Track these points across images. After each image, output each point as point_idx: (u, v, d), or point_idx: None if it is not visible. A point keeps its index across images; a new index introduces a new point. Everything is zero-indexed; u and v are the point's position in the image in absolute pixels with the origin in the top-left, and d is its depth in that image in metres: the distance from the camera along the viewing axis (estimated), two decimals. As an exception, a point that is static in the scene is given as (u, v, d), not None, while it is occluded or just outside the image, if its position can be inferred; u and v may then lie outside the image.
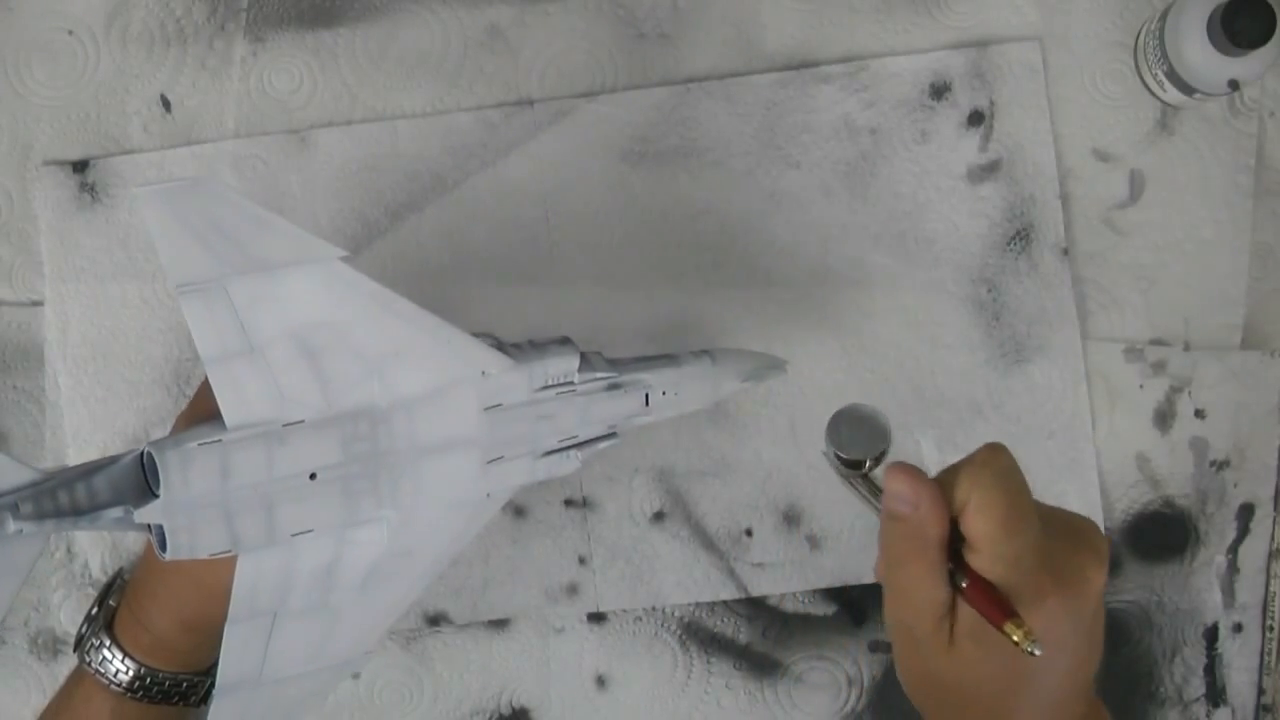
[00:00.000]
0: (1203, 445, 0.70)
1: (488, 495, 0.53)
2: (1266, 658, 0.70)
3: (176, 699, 0.56)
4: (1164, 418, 0.70)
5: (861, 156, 0.70)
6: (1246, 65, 0.63)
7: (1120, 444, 0.70)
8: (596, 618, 0.70)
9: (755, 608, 0.70)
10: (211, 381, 0.48)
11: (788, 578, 0.70)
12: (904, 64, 0.70)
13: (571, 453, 0.55)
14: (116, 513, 0.48)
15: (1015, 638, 0.43)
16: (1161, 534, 0.70)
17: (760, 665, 0.70)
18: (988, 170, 0.70)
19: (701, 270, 0.70)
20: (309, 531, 0.50)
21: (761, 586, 0.70)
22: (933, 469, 0.47)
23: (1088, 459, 0.69)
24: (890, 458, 0.50)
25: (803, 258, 0.70)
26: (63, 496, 0.48)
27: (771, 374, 0.62)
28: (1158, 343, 0.70)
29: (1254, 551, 0.70)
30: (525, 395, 0.53)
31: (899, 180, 0.70)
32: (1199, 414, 0.70)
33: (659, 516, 0.70)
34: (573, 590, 0.70)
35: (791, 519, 0.70)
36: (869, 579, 0.70)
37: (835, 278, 0.70)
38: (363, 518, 0.50)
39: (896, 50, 0.70)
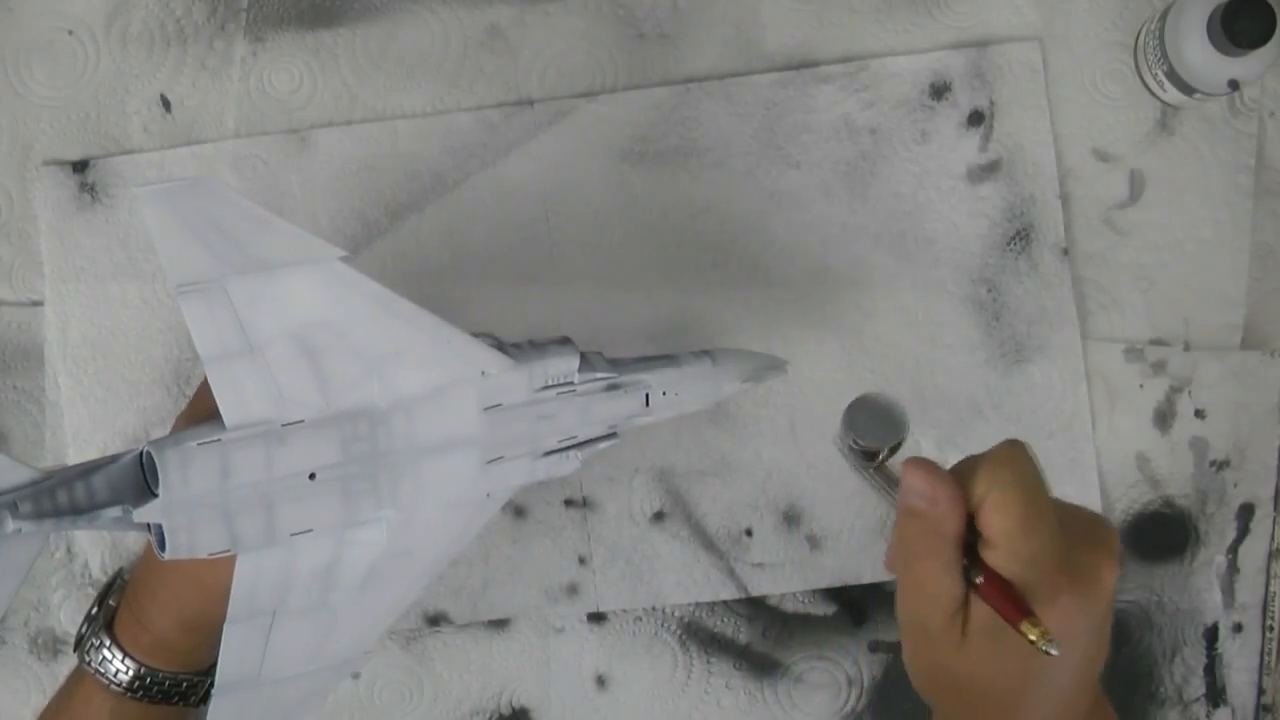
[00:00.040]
0: (1203, 445, 0.70)
1: (487, 495, 0.53)
2: (1266, 658, 0.70)
3: (176, 699, 0.56)
4: (1164, 418, 0.70)
5: (861, 156, 0.70)
6: (1246, 65, 0.63)
7: (1120, 444, 0.70)
8: (596, 618, 0.70)
9: (755, 608, 0.70)
10: (211, 381, 0.48)
11: (788, 578, 0.70)
12: (904, 64, 0.70)
13: (571, 453, 0.55)
14: (115, 512, 0.48)
15: (1031, 637, 0.43)
16: (1161, 534, 0.70)
17: (760, 665, 0.70)
18: (988, 170, 0.70)
19: (701, 270, 0.70)
20: (308, 531, 0.50)
21: (761, 586, 0.70)
22: None
23: (1088, 459, 0.69)
24: (902, 451, 0.50)
25: (803, 258, 0.70)
26: (62, 496, 0.48)
27: (772, 374, 0.62)
28: (1158, 343, 0.70)
29: (1254, 551, 0.70)
30: (525, 395, 0.53)
31: (899, 180, 0.70)
32: (1199, 414, 0.70)
33: (659, 516, 0.70)
34: (573, 590, 0.70)
35: (791, 519, 0.70)
36: (869, 579, 0.70)
37: (835, 278, 0.70)
38: (362, 518, 0.50)
39: (896, 50, 0.70)
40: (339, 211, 0.70)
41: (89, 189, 0.71)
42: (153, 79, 0.71)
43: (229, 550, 0.49)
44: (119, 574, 0.63)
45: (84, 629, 0.57)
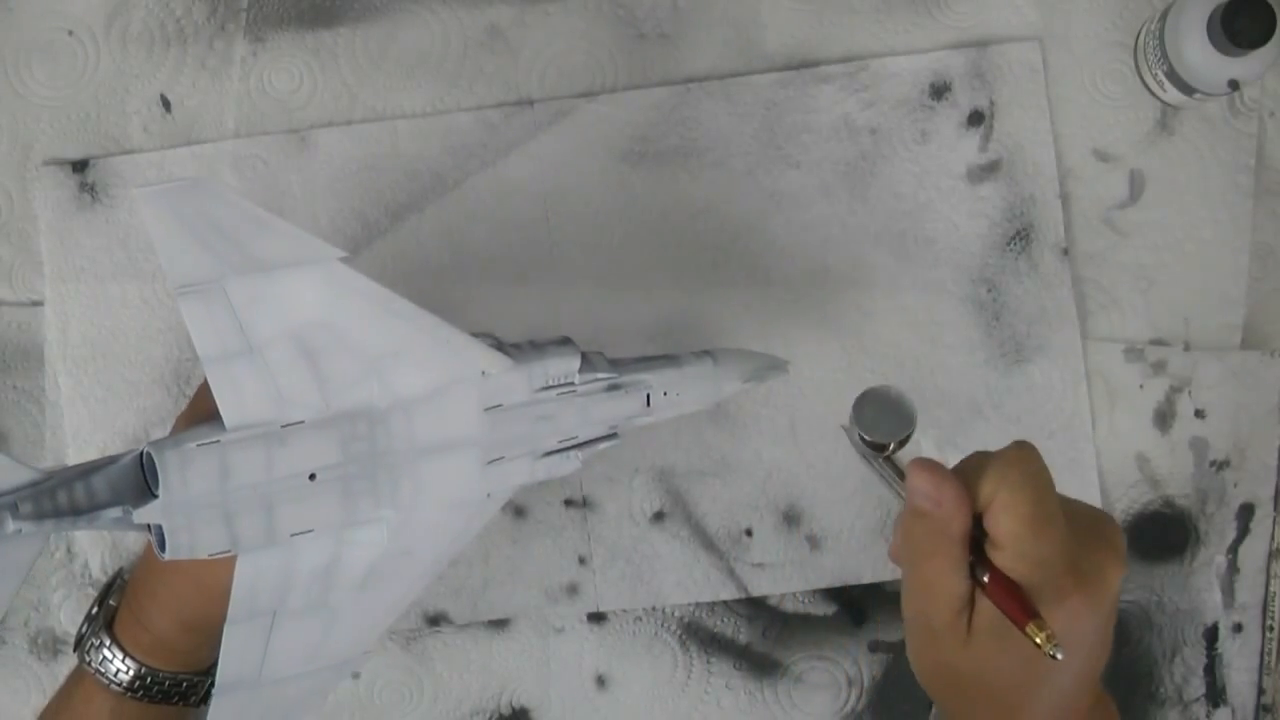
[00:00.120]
0: (1203, 445, 0.70)
1: (488, 495, 0.53)
2: (1266, 658, 0.70)
3: (176, 699, 0.56)
4: (1164, 418, 0.70)
5: (861, 156, 0.70)
6: (1246, 65, 0.63)
7: (1120, 444, 0.70)
8: (596, 618, 0.70)
9: (755, 608, 0.70)
10: (210, 382, 0.48)
11: (788, 578, 0.70)
12: (904, 64, 0.70)
13: (572, 453, 0.55)
14: (115, 513, 0.48)
15: (1037, 640, 0.43)
16: (1161, 534, 0.70)
17: (760, 665, 0.70)
18: (988, 170, 0.70)
19: (701, 270, 0.70)
20: (308, 532, 0.50)
21: (761, 586, 0.70)
22: None
23: (1088, 459, 0.69)
24: (912, 443, 0.50)
25: (803, 258, 0.70)
26: (62, 496, 0.48)
27: (773, 375, 0.62)
28: (1158, 343, 0.70)
29: (1254, 551, 0.70)
30: (525, 396, 0.53)
31: (899, 180, 0.70)
32: (1199, 414, 0.70)
33: (659, 516, 0.70)
34: (573, 590, 0.70)
35: (791, 519, 0.70)
36: (869, 579, 0.70)
37: (835, 278, 0.70)
38: (362, 518, 0.50)
39: (896, 50, 0.70)
40: (339, 211, 0.70)
41: (89, 189, 0.71)
42: (153, 79, 0.71)
43: (229, 551, 0.49)
44: (119, 574, 0.63)
45: (84, 629, 0.57)
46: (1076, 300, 0.69)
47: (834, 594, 0.70)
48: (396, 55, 0.71)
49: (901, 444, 0.51)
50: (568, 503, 0.70)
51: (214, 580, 0.50)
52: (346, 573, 0.51)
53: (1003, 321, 0.70)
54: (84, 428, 0.70)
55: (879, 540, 0.69)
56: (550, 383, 0.53)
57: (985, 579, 0.45)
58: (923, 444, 0.69)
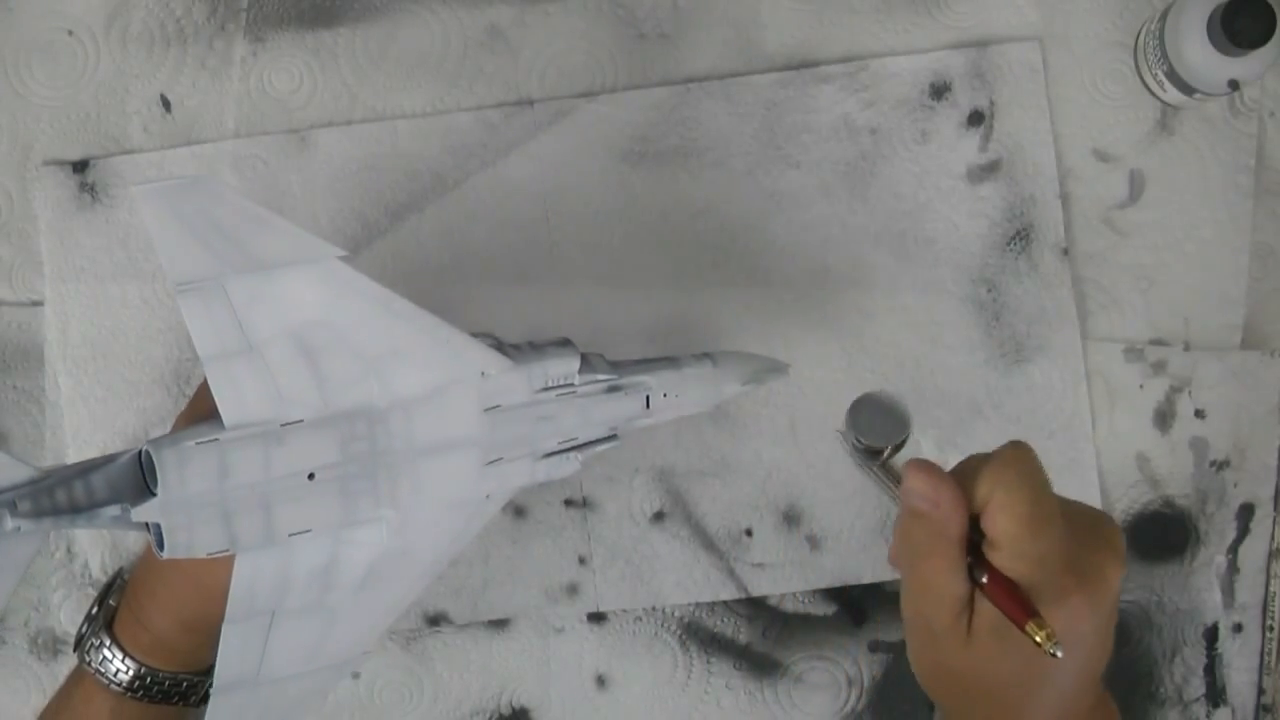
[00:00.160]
0: (1203, 445, 0.70)
1: (487, 496, 0.53)
2: (1266, 658, 0.70)
3: (176, 699, 0.56)
4: (1164, 418, 0.70)
5: (861, 156, 0.70)
6: (1246, 65, 0.63)
7: (1120, 444, 0.70)
8: (596, 618, 0.70)
9: (755, 608, 0.70)
10: (209, 380, 0.48)
11: (788, 578, 0.70)
12: (904, 64, 0.70)
13: (571, 455, 0.54)
14: (114, 511, 0.48)
15: (1037, 639, 0.43)
16: (1161, 534, 0.70)
17: (760, 665, 0.70)
18: (988, 170, 0.70)
19: (701, 270, 0.70)
20: (307, 531, 0.50)
21: (761, 586, 0.70)
22: None
23: (1088, 459, 0.69)
24: (907, 448, 0.50)
25: (803, 258, 0.70)
26: (60, 494, 0.48)
27: (772, 377, 0.62)
28: (1158, 343, 0.70)
29: (1254, 551, 0.70)
30: (525, 396, 0.53)
31: (899, 180, 0.70)
32: (1199, 414, 0.70)
33: (659, 516, 0.70)
34: (573, 590, 0.70)
35: (791, 519, 0.70)
36: (869, 579, 0.70)
37: (835, 278, 0.70)
38: (361, 518, 0.50)
39: (896, 50, 0.70)
40: (339, 211, 0.70)
41: (89, 189, 0.71)
42: (153, 79, 0.71)
43: (227, 550, 0.49)
44: (119, 574, 0.63)
45: (84, 629, 0.57)
46: (1076, 300, 0.69)
47: (834, 594, 0.70)
48: (396, 55, 0.71)
49: (897, 449, 0.51)
50: (568, 503, 0.70)
51: (213, 580, 0.50)
52: (345, 573, 0.51)
53: (1003, 321, 0.70)
54: (84, 428, 0.70)
55: (879, 540, 0.69)
56: (550, 384, 0.53)
57: (984, 580, 0.45)
58: (922, 444, 0.69)
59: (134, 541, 0.70)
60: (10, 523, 0.46)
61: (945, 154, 0.70)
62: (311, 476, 0.49)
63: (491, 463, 0.52)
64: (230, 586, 0.49)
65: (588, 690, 0.70)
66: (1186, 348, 0.69)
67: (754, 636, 0.70)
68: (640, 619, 0.70)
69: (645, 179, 0.70)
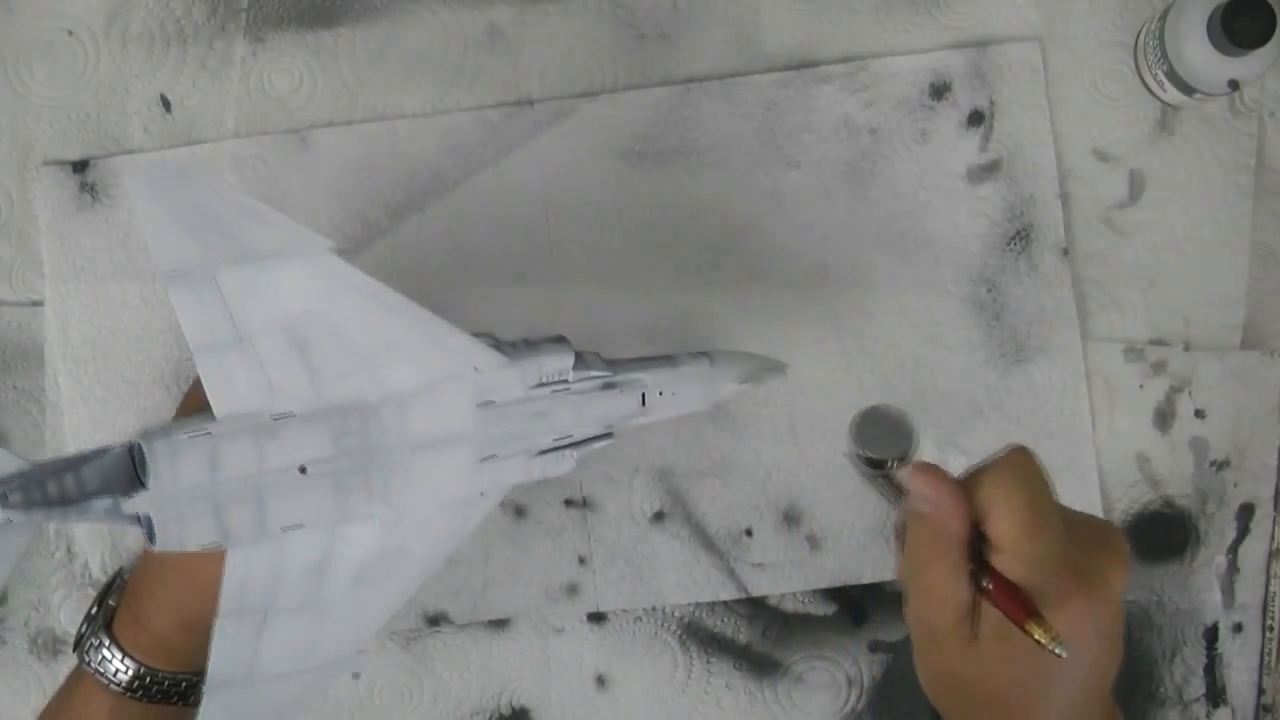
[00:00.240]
0: (1203, 445, 0.70)
1: (481, 494, 0.53)
2: (1266, 658, 0.70)
3: (176, 699, 0.56)
4: (1164, 418, 0.70)
5: (861, 156, 0.70)
6: (1246, 65, 0.63)
7: (1120, 444, 0.70)
8: (596, 618, 0.70)
9: (755, 608, 0.70)
10: (200, 372, 0.48)
11: (788, 578, 0.70)
12: (904, 64, 0.70)
13: (566, 453, 0.54)
14: (105, 503, 0.48)
15: (1039, 638, 0.43)
16: (1161, 534, 0.70)
17: (760, 665, 0.70)
18: (988, 170, 0.70)
19: (701, 270, 0.70)
20: (299, 526, 0.49)
21: (761, 586, 0.70)
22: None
23: (1088, 459, 0.69)
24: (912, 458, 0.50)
25: (803, 258, 0.70)
26: (51, 486, 0.47)
27: (770, 376, 0.62)
28: (1158, 343, 0.70)
29: (1254, 551, 0.70)
30: (519, 393, 0.53)
31: (899, 180, 0.70)
32: (1199, 414, 0.70)
33: (659, 516, 0.70)
34: (573, 590, 0.70)
35: (791, 519, 0.70)
36: (869, 579, 0.70)
37: (835, 278, 0.70)
38: (354, 513, 0.50)
39: (896, 50, 0.70)
40: (339, 211, 0.70)
41: (89, 189, 0.71)
42: (153, 79, 0.71)
43: (219, 543, 0.48)
44: (119, 574, 0.63)
45: (84, 629, 0.57)
46: (1076, 300, 0.69)
47: (834, 594, 0.70)
48: (396, 55, 0.71)
49: (902, 461, 0.51)
50: (568, 503, 0.70)
51: (210, 579, 0.50)
52: (339, 570, 0.51)
53: (1003, 321, 0.70)
54: (84, 428, 0.70)
55: (879, 540, 0.69)
56: (544, 380, 0.53)
57: (988, 586, 0.45)
58: (923, 444, 0.69)
59: (134, 541, 0.70)
60: (1, 514, 0.46)
61: (945, 154, 0.70)
62: (304, 470, 0.49)
63: (486, 459, 0.52)
64: (223, 581, 0.49)
65: (588, 690, 0.70)
66: (1186, 348, 0.69)
67: (754, 636, 0.70)
68: (640, 619, 0.70)
69: (645, 179, 0.70)
